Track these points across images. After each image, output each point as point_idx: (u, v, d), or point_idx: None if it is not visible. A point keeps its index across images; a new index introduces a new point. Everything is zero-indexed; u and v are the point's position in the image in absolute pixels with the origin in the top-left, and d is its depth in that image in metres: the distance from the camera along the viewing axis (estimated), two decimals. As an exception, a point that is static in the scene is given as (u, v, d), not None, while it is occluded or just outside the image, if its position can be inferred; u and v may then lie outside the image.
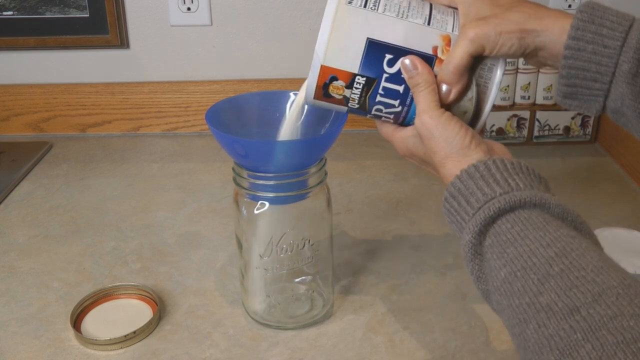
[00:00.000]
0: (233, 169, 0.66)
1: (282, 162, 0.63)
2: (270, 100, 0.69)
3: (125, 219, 0.92)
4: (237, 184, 0.66)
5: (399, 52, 0.55)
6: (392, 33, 0.55)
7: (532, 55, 0.54)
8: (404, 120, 0.58)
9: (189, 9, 1.14)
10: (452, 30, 0.56)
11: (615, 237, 0.85)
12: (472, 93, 0.56)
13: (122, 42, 1.16)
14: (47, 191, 1.01)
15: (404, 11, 0.55)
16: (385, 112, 0.58)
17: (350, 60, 0.56)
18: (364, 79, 0.56)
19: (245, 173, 0.64)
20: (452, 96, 0.55)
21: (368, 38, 0.55)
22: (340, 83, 0.56)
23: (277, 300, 0.68)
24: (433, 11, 0.56)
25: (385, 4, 0.55)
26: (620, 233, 0.86)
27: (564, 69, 0.52)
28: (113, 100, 1.20)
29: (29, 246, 0.86)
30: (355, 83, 0.56)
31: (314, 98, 0.58)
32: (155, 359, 0.66)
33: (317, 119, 0.67)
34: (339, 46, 0.55)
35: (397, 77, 0.56)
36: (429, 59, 0.55)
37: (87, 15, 1.13)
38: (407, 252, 0.83)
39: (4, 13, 1.14)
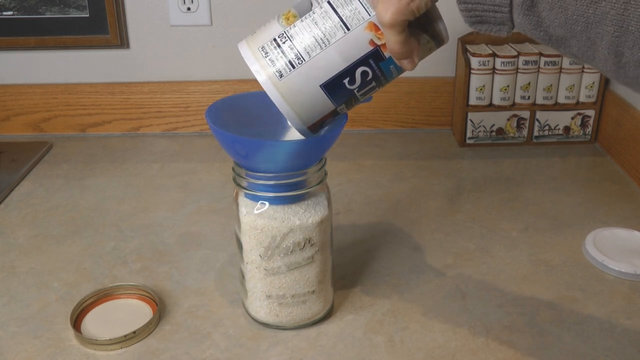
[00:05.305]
0: (233, 169, 0.66)
1: (282, 162, 0.63)
2: (270, 100, 0.69)
3: (125, 219, 0.92)
4: (237, 184, 0.66)
5: (350, 70, 0.56)
6: (332, 64, 0.56)
7: None
8: (387, 82, 0.59)
9: (189, 9, 1.14)
10: (370, 15, 0.55)
11: (615, 237, 0.85)
12: (426, 38, 0.56)
13: (122, 42, 1.16)
14: (47, 191, 1.01)
15: (322, 39, 0.55)
16: (372, 93, 0.60)
17: (323, 107, 0.58)
18: (343, 104, 0.59)
19: (245, 173, 0.64)
20: (416, 60, 0.56)
21: (320, 86, 0.56)
22: (329, 120, 0.60)
23: (277, 300, 0.68)
24: (339, 12, 0.55)
25: (305, 49, 0.56)
26: (620, 233, 0.86)
27: (460, 4, 0.51)
28: (113, 100, 1.20)
29: (29, 246, 0.86)
30: (339, 111, 0.59)
31: (315, 134, 0.62)
32: (155, 359, 0.66)
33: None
34: (305, 109, 0.58)
35: (364, 83, 0.57)
36: (375, 53, 0.56)
37: (87, 15, 1.13)
38: (407, 252, 0.83)
39: (4, 13, 1.14)
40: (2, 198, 0.98)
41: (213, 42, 1.17)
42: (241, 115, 0.69)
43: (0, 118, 1.21)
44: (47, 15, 1.14)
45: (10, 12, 1.14)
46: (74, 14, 1.13)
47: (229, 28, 1.15)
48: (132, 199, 0.98)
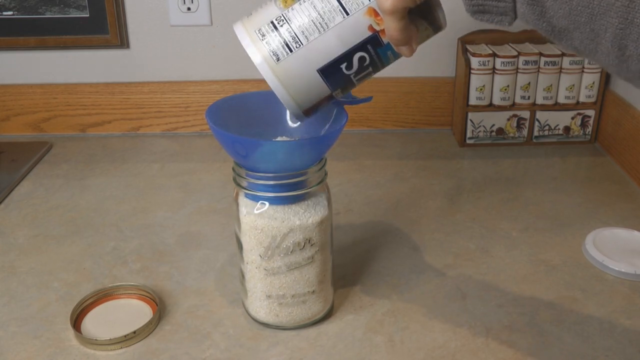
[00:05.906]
0: (233, 169, 0.66)
1: (282, 162, 0.63)
2: (270, 100, 0.69)
3: (125, 219, 0.92)
4: (237, 184, 0.66)
5: (347, 55, 0.56)
6: (330, 49, 0.55)
7: None
8: (383, 67, 0.59)
9: (189, 9, 1.14)
10: (369, 0, 0.54)
11: (615, 237, 0.85)
12: (424, 25, 0.56)
13: (122, 42, 1.16)
14: (47, 191, 1.01)
15: (320, 23, 0.55)
16: (368, 78, 0.60)
17: (320, 92, 0.57)
18: (339, 89, 0.58)
19: (245, 173, 0.64)
20: (415, 47, 0.55)
21: (317, 70, 0.56)
22: (324, 103, 0.60)
23: (277, 300, 0.68)
24: None
25: (303, 32, 0.55)
26: (620, 233, 0.86)
27: None
28: (113, 100, 1.20)
29: (29, 246, 0.86)
30: (334, 95, 0.59)
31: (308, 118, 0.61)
32: (155, 359, 0.66)
33: (318, 119, 0.67)
34: (302, 93, 0.57)
35: (361, 68, 0.57)
36: (374, 38, 0.55)
37: (87, 15, 1.13)
38: (407, 252, 0.83)
39: (4, 13, 1.14)
40: (2, 198, 0.98)
41: (213, 42, 1.17)
42: (241, 115, 0.69)
43: (0, 118, 1.21)
44: (47, 15, 1.14)
45: (10, 12, 1.14)
46: (74, 14, 1.13)
47: (229, 28, 1.15)
48: (132, 199, 0.98)
